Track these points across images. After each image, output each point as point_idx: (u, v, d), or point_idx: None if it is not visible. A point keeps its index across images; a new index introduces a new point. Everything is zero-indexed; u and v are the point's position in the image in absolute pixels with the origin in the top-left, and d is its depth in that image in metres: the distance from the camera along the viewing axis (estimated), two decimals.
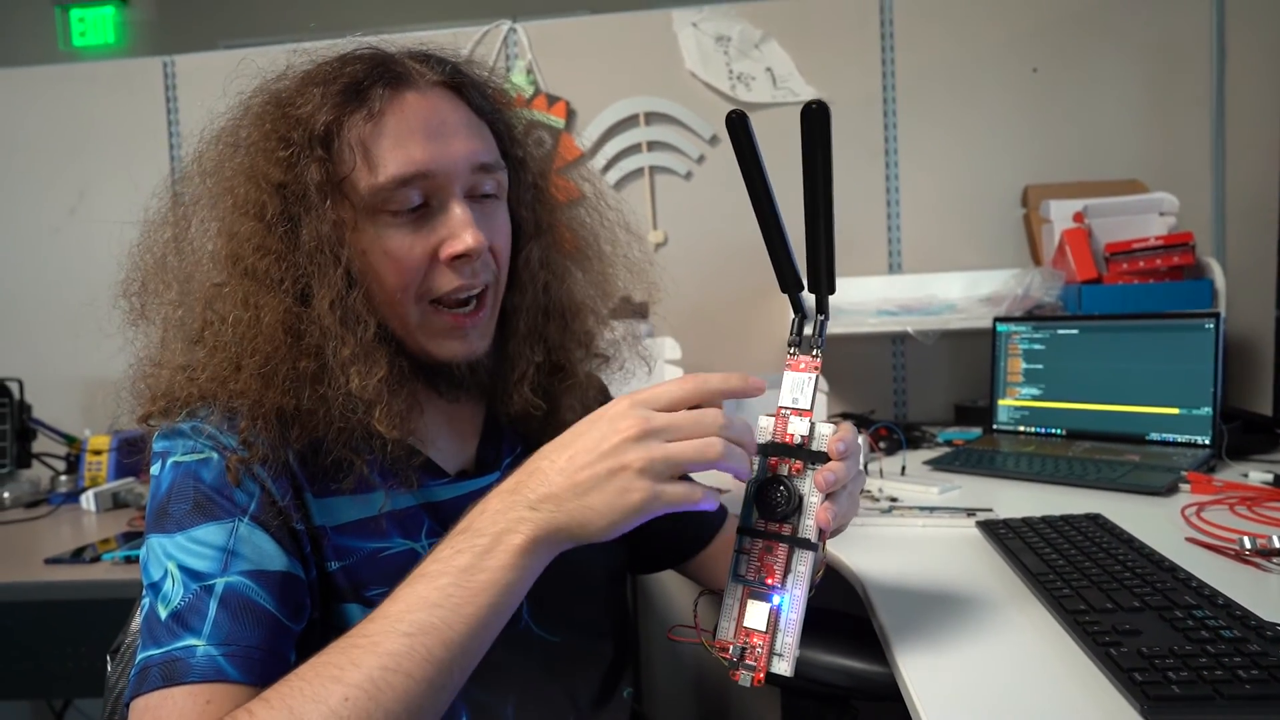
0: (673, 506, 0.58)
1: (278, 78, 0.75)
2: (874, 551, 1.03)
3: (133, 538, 1.46)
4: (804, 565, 0.62)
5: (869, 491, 1.31)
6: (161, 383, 0.73)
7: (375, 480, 0.73)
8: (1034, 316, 1.73)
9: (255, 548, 0.65)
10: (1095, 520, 1.02)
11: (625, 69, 2.12)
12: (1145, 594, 0.77)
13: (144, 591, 0.65)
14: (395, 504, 0.74)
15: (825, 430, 0.63)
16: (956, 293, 1.99)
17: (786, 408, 0.65)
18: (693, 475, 0.64)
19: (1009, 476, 1.41)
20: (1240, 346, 1.91)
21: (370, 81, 0.71)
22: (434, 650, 0.56)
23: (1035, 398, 1.68)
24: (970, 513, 1.14)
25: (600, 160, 2.10)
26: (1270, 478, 1.29)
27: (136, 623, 0.91)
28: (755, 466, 0.64)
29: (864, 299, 1.97)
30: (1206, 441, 1.45)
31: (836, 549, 1.04)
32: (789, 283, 0.65)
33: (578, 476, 0.58)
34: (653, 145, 2.12)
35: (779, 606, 0.62)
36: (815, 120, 0.58)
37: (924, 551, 1.04)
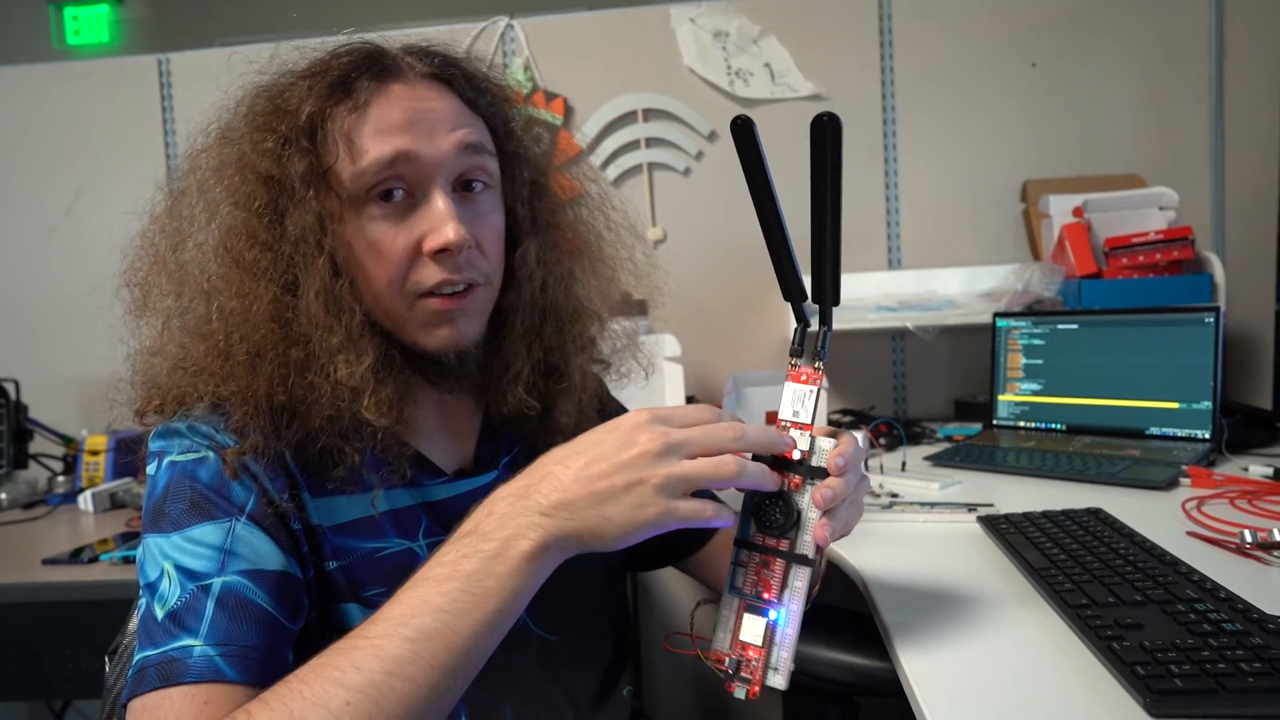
0: (684, 523, 0.58)
1: (270, 72, 0.75)
2: (875, 547, 1.03)
3: (131, 538, 1.46)
4: (800, 581, 0.62)
5: (870, 488, 1.31)
6: (160, 374, 0.73)
7: (372, 480, 0.72)
8: (1034, 312, 1.73)
9: (252, 547, 0.65)
10: (1096, 515, 1.01)
11: (623, 65, 2.11)
12: (1147, 588, 0.77)
13: (141, 592, 0.65)
14: (393, 503, 0.74)
15: (825, 445, 0.63)
16: (956, 288, 1.99)
17: (787, 420, 0.64)
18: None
19: (1009, 472, 1.41)
20: (1240, 340, 1.91)
21: (357, 74, 0.71)
22: (438, 656, 0.55)
23: (1035, 393, 1.68)
24: (971, 508, 1.14)
25: (598, 157, 2.10)
26: (1270, 471, 1.29)
27: (134, 624, 0.91)
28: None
29: (864, 295, 1.97)
30: (1206, 436, 1.45)
31: (837, 545, 1.04)
32: (792, 292, 0.64)
33: (595, 485, 0.57)
34: (651, 141, 2.11)
35: (775, 622, 0.62)
36: (826, 132, 0.57)
37: (925, 547, 1.04)
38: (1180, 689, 0.59)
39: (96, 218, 2.23)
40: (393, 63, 0.73)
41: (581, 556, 0.62)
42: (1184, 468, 1.29)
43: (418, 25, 1.78)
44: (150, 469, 0.69)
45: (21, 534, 1.58)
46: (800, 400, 0.64)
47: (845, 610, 1.16)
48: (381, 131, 0.69)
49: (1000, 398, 1.72)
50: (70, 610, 1.30)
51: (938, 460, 1.50)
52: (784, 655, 0.61)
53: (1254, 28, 1.97)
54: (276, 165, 0.69)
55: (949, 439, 1.74)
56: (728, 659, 0.63)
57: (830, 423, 1.87)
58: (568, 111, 2.11)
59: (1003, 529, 1.00)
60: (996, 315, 1.74)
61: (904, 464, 1.47)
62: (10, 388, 1.89)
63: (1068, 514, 1.02)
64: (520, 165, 0.80)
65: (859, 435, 0.70)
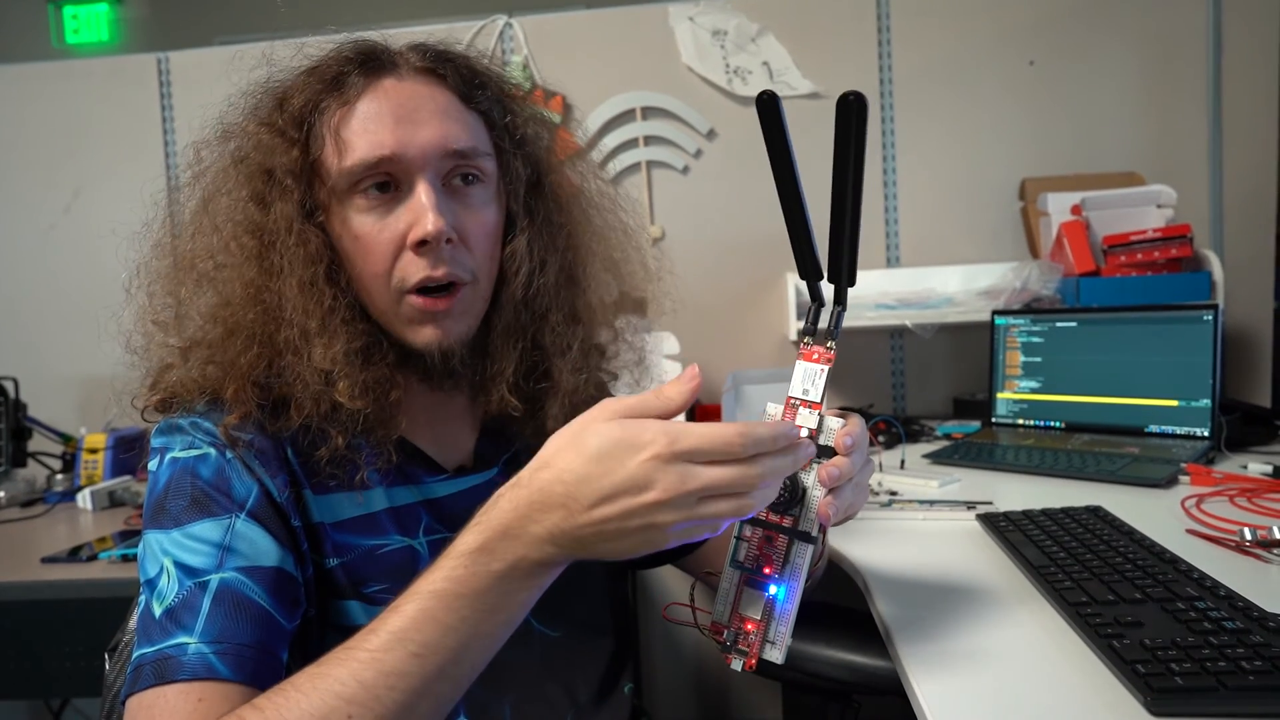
0: (692, 540, 0.57)
1: (269, 68, 0.76)
2: (874, 545, 1.03)
3: (129, 536, 1.46)
4: (802, 558, 0.62)
5: (870, 485, 1.31)
6: (161, 359, 0.74)
7: (373, 476, 0.72)
8: (1032, 309, 1.73)
9: (251, 543, 0.65)
10: (1095, 512, 1.01)
11: (622, 63, 2.11)
12: (1147, 586, 0.77)
13: (141, 588, 0.65)
14: (393, 500, 0.74)
15: (834, 424, 0.63)
16: (954, 286, 1.99)
17: (796, 398, 0.64)
18: None
19: (1008, 469, 1.41)
20: (1239, 338, 1.91)
21: (350, 69, 0.72)
22: (446, 669, 0.55)
23: (1034, 391, 1.68)
24: (970, 506, 1.14)
25: (597, 155, 2.10)
26: (1269, 469, 1.29)
27: (134, 622, 0.91)
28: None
29: (862, 293, 1.97)
30: (1206, 433, 1.45)
31: (837, 542, 1.04)
32: (809, 270, 0.64)
33: (606, 527, 0.53)
34: (649, 140, 2.11)
35: (775, 597, 0.62)
36: (852, 112, 0.57)
37: (924, 545, 1.04)
38: (1181, 687, 0.59)
39: (95, 216, 2.23)
40: (387, 58, 0.73)
41: None
42: (1183, 465, 1.29)
43: (417, 24, 1.78)
44: (152, 465, 0.70)
45: (20, 532, 1.58)
46: (811, 379, 0.64)
47: (845, 609, 1.16)
48: (368, 127, 0.70)
49: (999, 395, 1.72)
50: (69, 608, 1.30)
51: (937, 458, 1.50)
52: (782, 630, 0.62)
53: (1252, 25, 1.97)
54: (268, 156, 0.71)
55: (948, 437, 1.74)
56: (726, 631, 0.63)
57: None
58: (566, 110, 2.10)
59: (1002, 527, 1.00)
60: (995, 313, 1.74)
61: (903, 462, 1.47)
62: (9, 386, 1.89)
63: (1067, 512, 1.02)
64: (518, 162, 0.79)
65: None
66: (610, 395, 0.94)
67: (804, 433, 0.63)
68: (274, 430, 0.69)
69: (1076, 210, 1.83)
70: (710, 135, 2.10)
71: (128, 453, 1.89)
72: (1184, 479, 1.26)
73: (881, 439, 1.68)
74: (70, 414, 2.12)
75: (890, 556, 0.98)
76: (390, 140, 0.69)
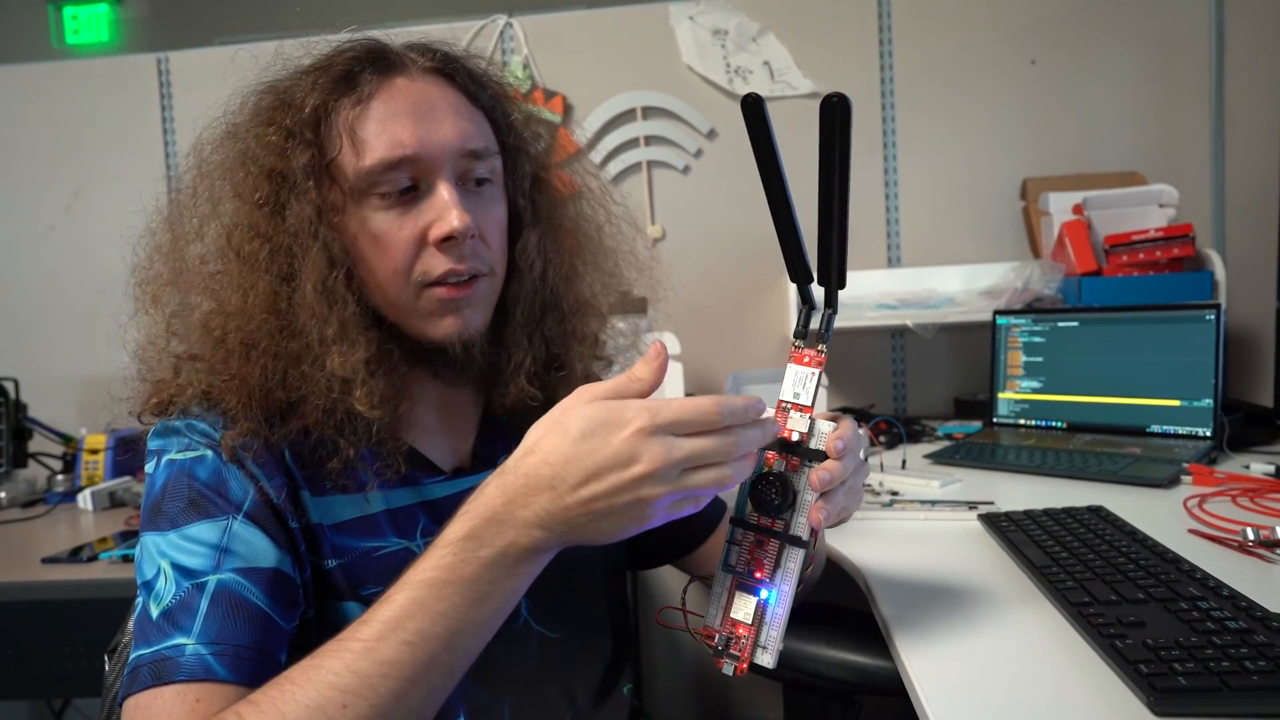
0: (676, 516, 0.57)
1: (274, 67, 0.76)
2: (876, 545, 1.03)
3: (130, 536, 1.46)
4: (793, 562, 0.62)
5: (870, 485, 1.31)
6: (162, 369, 0.73)
7: (370, 479, 0.72)
8: (1034, 309, 1.73)
9: (249, 545, 0.65)
10: (1097, 512, 1.01)
11: (622, 63, 2.11)
12: (1149, 586, 0.76)
13: (138, 590, 0.65)
14: (391, 502, 0.74)
15: (825, 428, 0.63)
16: (956, 286, 1.99)
17: (787, 402, 0.64)
18: None
19: (1010, 469, 1.41)
20: (1241, 338, 1.91)
21: (360, 68, 0.72)
22: (439, 657, 0.55)
23: (1035, 391, 1.67)
24: (972, 506, 1.14)
25: (597, 155, 2.09)
26: (1272, 469, 1.29)
27: (133, 622, 0.91)
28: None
29: (863, 293, 1.97)
30: (1208, 433, 1.45)
31: (838, 542, 1.03)
32: (799, 273, 0.64)
33: (593, 506, 0.54)
34: (650, 140, 2.11)
35: (766, 601, 0.62)
36: (836, 113, 0.57)
37: (926, 545, 1.03)
38: (1184, 687, 0.59)
39: (96, 216, 2.23)
40: (395, 58, 0.73)
41: (582, 554, 0.62)
42: (1185, 465, 1.29)
43: (416, 23, 1.78)
44: (149, 467, 0.70)
45: (21, 533, 1.58)
46: (802, 382, 0.64)
47: (846, 609, 1.16)
48: (386, 126, 0.70)
49: (1000, 395, 1.72)
50: (70, 609, 1.30)
51: (938, 458, 1.50)
52: (773, 634, 0.62)
53: (1254, 24, 1.97)
54: (280, 158, 0.70)
55: (949, 437, 1.73)
56: (717, 635, 0.63)
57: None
58: (567, 109, 2.10)
59: (1004, 527, 1.00)
60: (996, 313, 1.74)
61: (904, 462, 1.47)
62: (9, 386, 1.89)
63: (1069, 512, 1.02)
64: (521, 159, 0.80)
65: (850, 420, 0.70)
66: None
67: (795, 436, 0.62)
68: (276, 439, 0.69)
69: (1078, 210, 1.82)
70: (711, 135, 2.10)
71: (128, 453, 1.88)
72: (1186, 479, 1.26)
73: (883, 439, 1.67)
74: (71, 414, 2.12)
75: (891, 557, 0.98)
76: (410, 139, 0.69)
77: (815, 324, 0.65)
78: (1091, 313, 1.63)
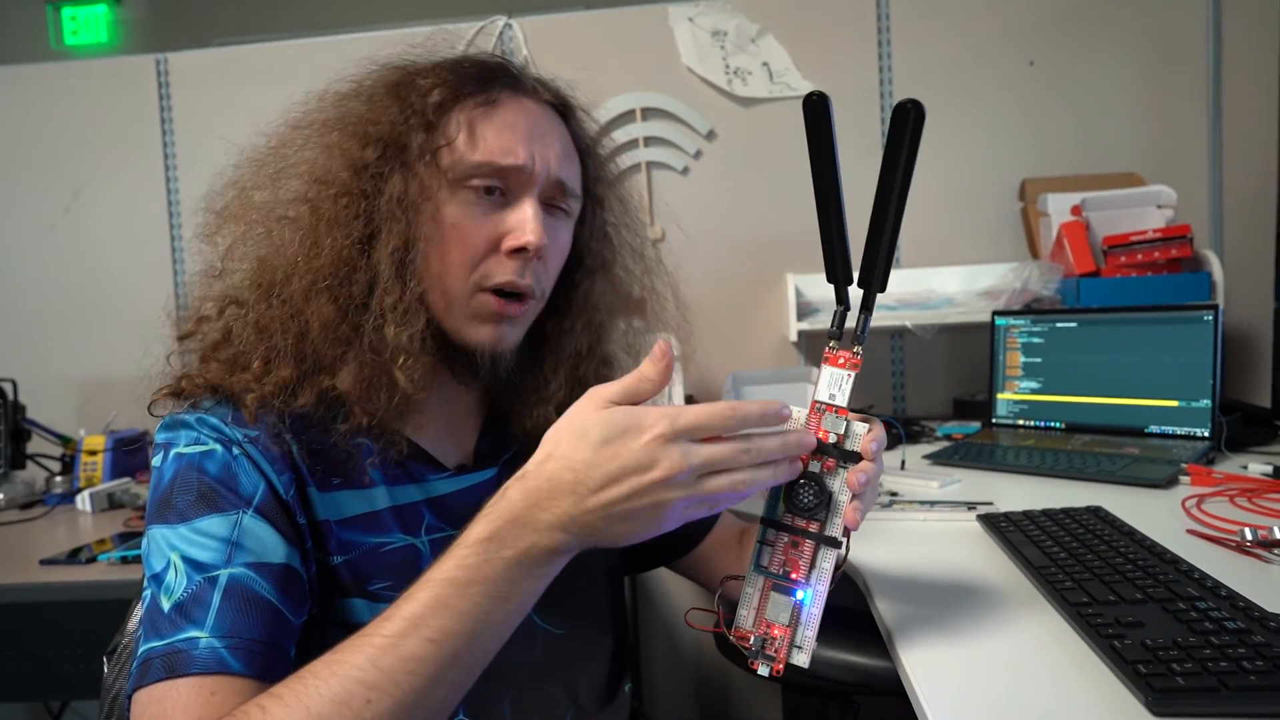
0: (692, 519, 0.59)
1: (411, 54, 0.79)
2: (875, 546, 1.03)
3: (129, 538, 1.46)
4: (828, 563, 0.63)
5: None
6: (208, 307, 0.75)
7: (374, 477, 0.73)
8: (1032, 310, 1.73)
9: (259, 540, 0.65)
10: (1096, 513, 1.01)
11: (621, 64, 2.11)
12: (1148, 586, 0.76)
13: (145, 583, 0.65)
14: (396, 499, 0.74)
15: (859, 429, 0.63)
16: (954, 287, 1.99)
17: (823, 403, 0.64)
18: None
19: (1009, 470, 1.41)
20: (1239, 338, 1.91)
21: (494, 76, 0.76)
22: (460, 654, 0.56)
23: (1034, 391, 1.68)
24: (971, 506, 1.14)
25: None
26: (1270, 469, 1.29)
27: (133, 623, 0.91)
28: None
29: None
30: (1206, 434, 1.45)
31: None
32: (839, 274, 0.64)
33: (614, 509, 0.56)
34: (649, 141, 2.11)
35: (801, 602, 0.62)
36: (909, 118, 0.58)
37: (925, 545, 1.03)
38: (1182, 687, 0.59)
39: (95, 217, 2.23)
40: (526, 81, 0.78)
41: (583, 552, 0.62)
42: (1183, 466, 1.29)
43: (416, 24, 1.78)
44: (156, 461, 0.70)
45: (19, 534, 1.58)
46: (838, 384, 0.64)
47: (845, 609, 1.15)
48: (506, 131, 0.74)
49: (999, 396, 1.72)
50: (68, 611, 1.30)
51: (937, 459, 1.50)
52: (808, 635, 0.62)
53: (1251, 25, 1.97)
54: (395, 130, 0.72)
55: (948, 437, 1.73)
56: (752, 637, 0.63)
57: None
58: None
59: (1003, 527, 1.00)
60: (995, 314, 1.74)
61: (903, 462, 1.47)
62: (8, 387, 1.88)
63: (1067, 512, 1.02)
64: (597, 210, 0.85)
65: None
66: None
67: (831, 439, 0.63)
68: (296, 405, 0.69)
69: (1076, 211, 1.83)
70: (710, 136, 2.10)
71: (127, 454, 1.88)
72: (1184, 479, 1.26)
73: None
74: (69, 416, 2.12)
75: (891, 557, 0.98)
76: (523, 152, 0.74)
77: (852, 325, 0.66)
78: (1090, 313, 1.64)
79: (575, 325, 0.83)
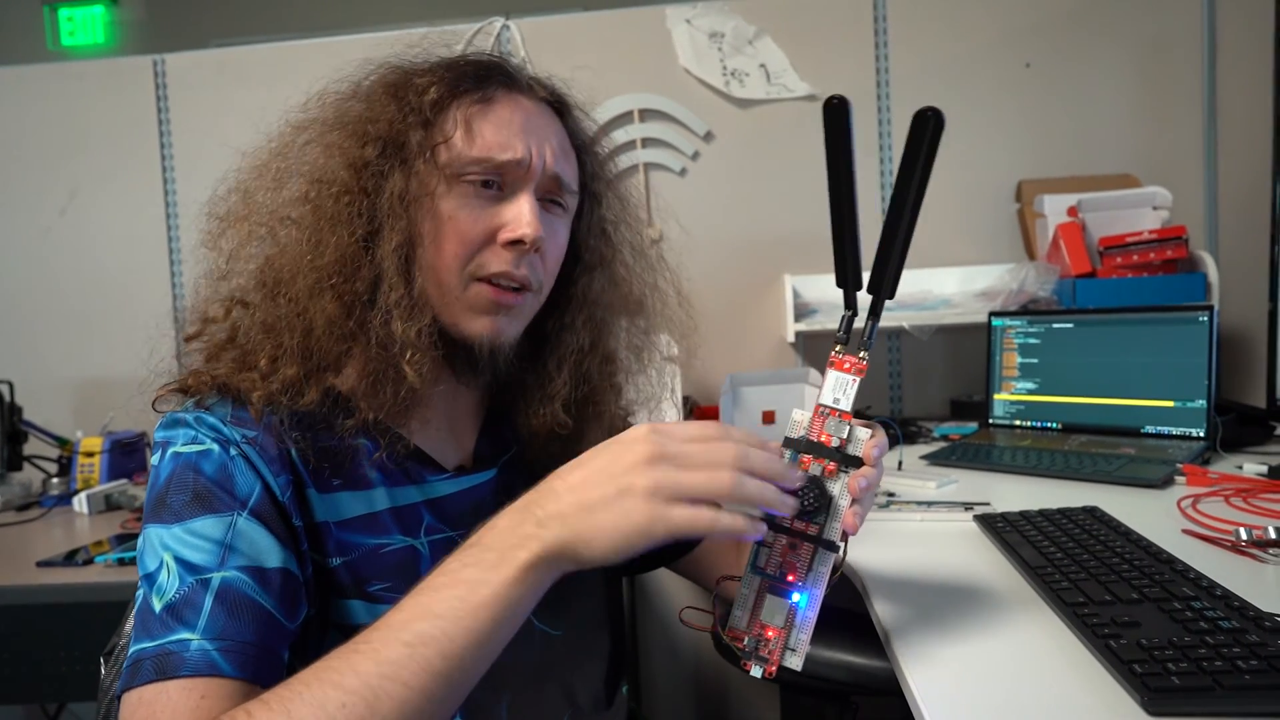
0: (678, 531, 0.57)
1: (409, 54, 0.80)
2: (872, 546, 1.03)
3: (125, 540, 1.45)
4: (825, 566, 0.63)
5: None
6: (213, 308, 0.75)
7: (374, 478, 0.73)
8: (1029, 311, 1.73)
9: (253, 543, 0.65)
10: (1092, 513, 1.02)
11: (619, 66, 2.11)
12: (1143, 586, 0.77)
13: (139, 582, 0.64)
14: (395, 500, 0.74)
15: (862, 434, 0.63)
16: (951, 288, 1.99)
17: (826, 406, 0.64)
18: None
19: (1005, 470, 1.41)
20: (1234, 339, 1.92)
21: (490, 74, 0.77)
22: (432, 661, 0.55)
23: (1031, 392, 1.68)
24: (967, 507, 1.14)
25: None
26: (1265, 469, 1.29)
27: (129, 625, 0.91)
28: (787, 460, 0.64)
29: (859, 295, 1.97)
30: (1201, 434, 1.46)
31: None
32: (849, 279, 0.64)
33: (586, 495, 0.57)
34: (647, 142, 2.11)
35: (797, 604, 0.62)
36: (928, 126, 0.58)
37: (922, 546, 1.04)
38: (1178, 687, 0.59)
39: (91, 218, 2.23)
40: (522, 79, 0.79)
41: None
42: (1179, 466, 1.29)
43: (415, 25, 1.78)
44: (154, 459, 0.70)
45: (16, 536, 1.58)
46: (842, 388, 0.64)
47: (843, 610, 1.16)
48: (502, 127, 0.74)
49: (996, 397, 1.72)
50: (65, 612, 1.29)
51: (934, 459, 1.50)
52: (802, 638, 0.62)
53: (1245, 27, 1.98)
54: (393, 128, 0.73)
55: (945, 438, 1.74)
56: (746, 638, 0.63)
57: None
58: None
59: (999, 527, 1.00)
60: (992, 314, 1.75)
61: (900, 463, 1.47)
62: (4, 389, 1.88)
63: (1064, 512, 1.03)
64: (594, 206, 0.85)
65: None
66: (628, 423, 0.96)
67: (834, 442, 0.63)
68: (303, 403, 0.69)
69: (1073, 212, 1.83)
70: (708, 137, 2.10)
71: (124, 456, 1.88)
72: (1180, 479, 1.26)
73: None
74: (66, 417, 2.12)
75: (888, 557, 0.98)
76: (520, 147, 0.74)
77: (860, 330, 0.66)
78: (1086, 314, 1.64)
79: (576, 321, 0.83)
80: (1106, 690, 0.63)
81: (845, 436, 0.63)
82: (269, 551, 0.65)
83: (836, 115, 0.59)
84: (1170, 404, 1.50)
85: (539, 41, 2.13)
